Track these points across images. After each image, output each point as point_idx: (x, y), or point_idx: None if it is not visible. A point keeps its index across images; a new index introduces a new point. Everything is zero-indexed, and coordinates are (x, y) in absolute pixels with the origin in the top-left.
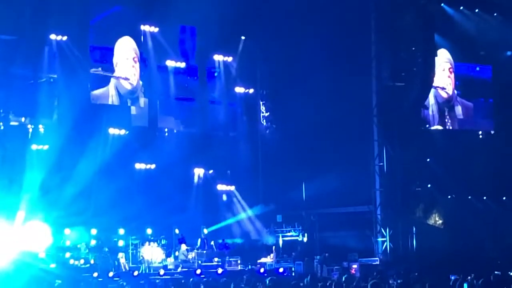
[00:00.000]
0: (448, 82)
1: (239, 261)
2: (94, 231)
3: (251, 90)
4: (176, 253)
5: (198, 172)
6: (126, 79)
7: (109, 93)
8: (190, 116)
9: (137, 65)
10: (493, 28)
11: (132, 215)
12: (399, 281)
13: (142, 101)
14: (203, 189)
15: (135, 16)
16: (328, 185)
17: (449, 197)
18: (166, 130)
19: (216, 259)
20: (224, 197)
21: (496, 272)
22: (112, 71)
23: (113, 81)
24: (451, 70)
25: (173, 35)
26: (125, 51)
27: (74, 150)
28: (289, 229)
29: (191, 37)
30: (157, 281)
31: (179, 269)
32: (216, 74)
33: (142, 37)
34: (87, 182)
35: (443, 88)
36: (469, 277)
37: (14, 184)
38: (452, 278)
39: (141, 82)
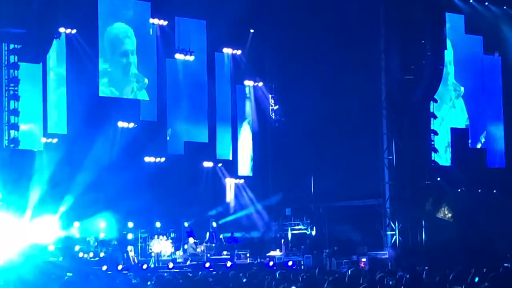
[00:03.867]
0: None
1: (248, 255)
2: (103, 224)
3: (260, 84)
4: (185, 247)
5: (207, 165)
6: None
7: None
8: (199, 110)
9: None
10: (503, 22)
11: (141, 209)
12: (407, 276)
13: (151, 94)
14: (212, 182)
15: (144, 9)
16: (336, 178)
17: (458, 190)
18: (175, 123)
19: (225, 252)
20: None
21: (505, 265)
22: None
23: None
24: None
25: (182, 29)
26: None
27: (83, 143)
28: (297, 222)
29: (200, 31)
30: (166, 274)
31: (188, 263)
32: (225, 67)
33: (151, 30)
34: (96, 175)
35: None
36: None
37: (23, 177)
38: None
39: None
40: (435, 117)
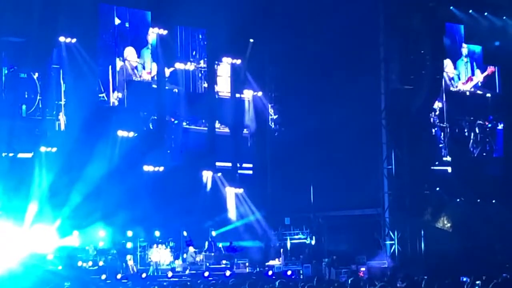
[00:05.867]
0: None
1: (247, 264)
2: (102, 233)
3: (260, 93)
4: (184, 256)
5: (207, 174)
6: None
7: None
8: (199, 119)
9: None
10: (502, 31)
11: (140, 217)
12: (404, 284)
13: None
14: (211, 191)
15: (144, 18)
16: (336, 187)
17: (457, 200)
18: (174, 134)
19: (224, 261)
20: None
21: (504, 275)
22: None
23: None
24: None
25: (182, 38)
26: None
27: (82, 152)
28: (297, 231)
29: (200, 40)
30: (165, 283)
31: (187, 272)
32: (224, 76)
33: (151, 39)
34: (95, 184)
35: None
36: (478, 281)
37: (22, 186)
38: (464, 279)
39: None
40: (436, 126)
